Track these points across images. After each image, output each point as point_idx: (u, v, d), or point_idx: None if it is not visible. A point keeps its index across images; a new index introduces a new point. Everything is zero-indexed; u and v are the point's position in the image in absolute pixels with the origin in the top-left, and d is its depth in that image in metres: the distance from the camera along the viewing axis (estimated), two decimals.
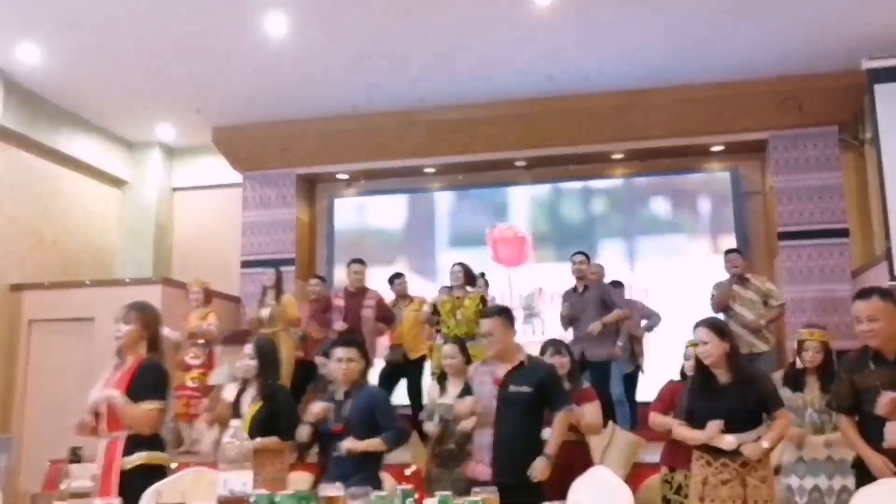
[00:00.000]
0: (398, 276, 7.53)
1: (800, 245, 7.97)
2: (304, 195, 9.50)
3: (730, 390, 3.67)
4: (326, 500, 2.50)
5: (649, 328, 7.32)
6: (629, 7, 6.57)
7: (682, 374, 4.67)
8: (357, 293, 7.12)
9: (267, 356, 4.46)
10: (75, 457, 3.12)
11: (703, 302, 6.96)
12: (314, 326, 7.30)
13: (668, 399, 4.47)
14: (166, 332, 6.91)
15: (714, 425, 3.57)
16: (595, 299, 6.74)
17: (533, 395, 3.75)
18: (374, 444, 4.00)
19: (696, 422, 3.71)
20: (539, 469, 3.63)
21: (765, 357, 6.49)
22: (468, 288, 6.77)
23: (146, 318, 3.58)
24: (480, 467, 3.79)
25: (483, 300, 6.68)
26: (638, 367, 7.14)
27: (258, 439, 4.08)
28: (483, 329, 3.89)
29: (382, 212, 9.47)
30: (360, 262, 7.26)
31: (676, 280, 8.10)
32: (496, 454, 3.75)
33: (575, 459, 4.14)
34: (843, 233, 7.94)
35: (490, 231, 9.01)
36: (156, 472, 3.32)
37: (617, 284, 7.29)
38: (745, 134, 8.31)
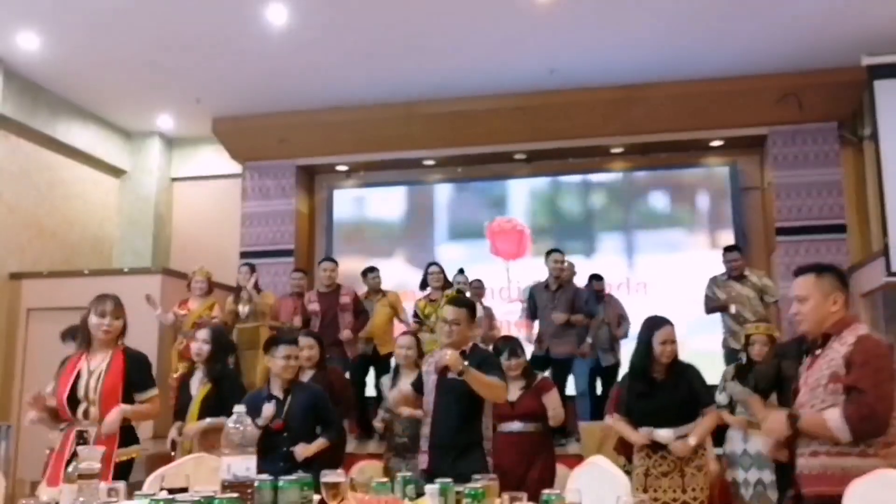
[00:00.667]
0: (372, 269, 7.52)
1: (797, 241, 8.00)
2: (303, 186, 9.51)
3: (665, 387, 3.92)
4: (328, 486, 2.52)
5: (624, 334, 7.18)
6: (630, 1, 6.57)
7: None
8: (330, 292, 7.12)
9: (220, 342, 4.64)
10: (82, 440, 3.16)
11: (700, 296, 7.01)
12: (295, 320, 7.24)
13: (617, 397, 4.57)
14: (158, 314, 7.00)
15: (644, 433, 3.91)
16: (566, 301, 6.84)
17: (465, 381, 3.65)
18: (320, 444, 4.05)
19: (635, 417, 3.99)
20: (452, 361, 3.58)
21: None
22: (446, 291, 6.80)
23: (123, 310, 3.78)
24: (421, 456, 3.84)
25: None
26: (618, 361, 7.10)
27: (208, 419, 4.33)
28: (450, 316, 3.80)
29: (381, 203, 9.48)
30: (332, 260, 7.35)
31: (674, 274, 8.13)
32: (431, 442, 3.77)
33: (537, 449, 4.41)
34: (841, 229, 7.97)
35: (489, 224, 9.03)
36: (131, 464, 3.66)
37: (597, 278, 7.31)
38: (744, 129, 8.34)
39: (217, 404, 4.37)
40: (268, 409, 4.02)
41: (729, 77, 7.89)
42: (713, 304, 6.90)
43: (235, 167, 9.45)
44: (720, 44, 7.29)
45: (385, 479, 2.80)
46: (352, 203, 9.57)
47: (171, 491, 2.53)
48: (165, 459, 4.87)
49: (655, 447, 3.91)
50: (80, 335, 3.78)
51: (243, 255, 9.10)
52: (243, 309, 7.19)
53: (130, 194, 9.76)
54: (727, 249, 7.05)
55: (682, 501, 3.82)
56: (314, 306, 7.07)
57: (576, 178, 9.08)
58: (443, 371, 3.76)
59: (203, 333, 4.60)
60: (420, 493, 2.74)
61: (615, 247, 8.67)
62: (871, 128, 7.43)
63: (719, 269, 7.04)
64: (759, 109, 8.02)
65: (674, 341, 3.95)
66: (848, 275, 7.65)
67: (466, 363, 3.59)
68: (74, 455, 3.46)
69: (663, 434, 3.86)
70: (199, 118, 8.99)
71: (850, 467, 2.58)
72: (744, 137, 8.46)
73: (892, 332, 7.25)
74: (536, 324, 7.07)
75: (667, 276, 8.18)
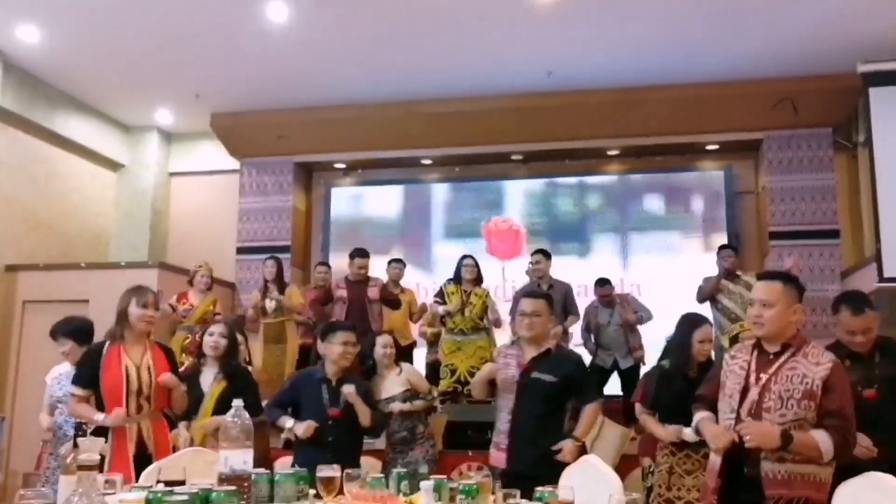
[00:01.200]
0: (398, 260, 7.52)
1: (790, 245, 8.05)
2: (301, 183, 9.54)
3: (697, 386, 3.74)
4: (323, 481, 2.55)
5: (637, 320, 7.18)
6: (629, 5, 6.62)
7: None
8: (358, 282, 7.10)
9: (235, 338, 4.60)
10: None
11: (693, 297, 7.07)
12: (317, 313, 7.30)
13: (644, 390, 4.61)
14: (163, 308, 7.01)
15: (673, 430, 3.82)
16: (559, 301, 6.82)
17: (558, 385, 3.66)
18: (367, 410, 4.15)
19: (663, 414, 3.94)
20: (568, 451, 3.57)
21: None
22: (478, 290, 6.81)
23: (158, 300, 3.87)
24: (495, 453, 3.75)
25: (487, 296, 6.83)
26: (638, 362, 7.08)
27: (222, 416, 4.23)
28: (529, 308, 3.73)
29: (379, 201, 9.50)
30: (365, 254, 7.08)
31: (668, 276, 8.18)
32: (511, 441, 3.68)
33: None
34: (834, 234, 8.03)
35: (485, 223, 9.07)
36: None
37: (601, 283, 7.33)
38: (739, 133, 8.40)
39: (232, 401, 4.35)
40: (308, 429, 4.01)
41: (725, 81, 7.94)
42: (705, 291, 6.97)
43: (233, 163, 9.47)
44: (717, 48, 7.34)
45: (380, 475, 2.83)
46: (349, 201, 9.60)
47: (167, 484, 2.56)
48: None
49: (680, 445, 3.84)
50: (116, 327, 3.76)
51: (240, 250, 9.14)
52: (269, 304, 7.21)
53: (128, 188, 9.77)
54: (722, 248, 7.16)
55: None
56: (342, 293, 7.01)
57: (572, 180, 9.12)
58: (525, 368, 3.70)
59: (220, 328, 4.51)
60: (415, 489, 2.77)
61: (610, 248, 8.72)
62: (866, 134, 7.49)
63: (713, 271, 7.10)
64: (754, 114, 8.08)
65: (711, 340, 3.95)
66: (840, 280, 7.78)
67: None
68: (140, 448, 3.61)
69: (690, 433, 3.65)
70: (197, 113, 9.01)
71: (811, 473, 2.71)
72: (739, 141, 8.52)
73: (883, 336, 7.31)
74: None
75: (661, 279, 8.23)
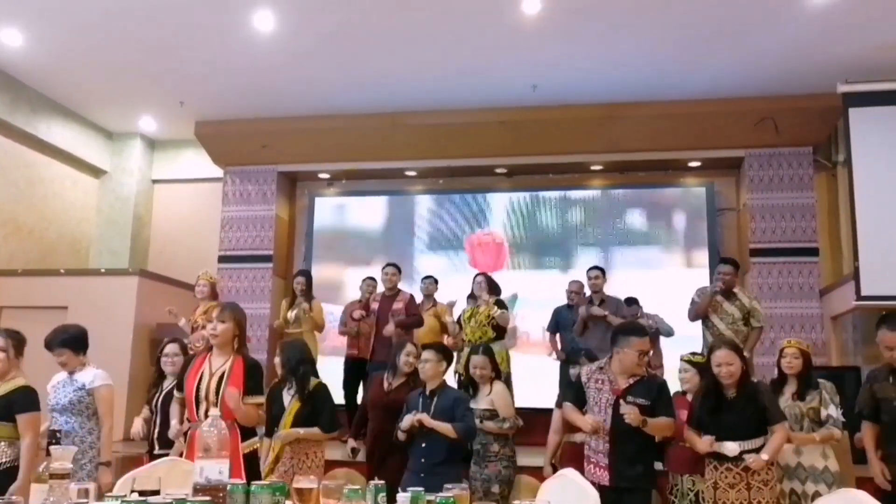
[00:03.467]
0: (428, 277, 7.58)
1: (770, 262, 8.12)
2: (284, 193, 9.51)
3: (736, 404, 4.13)
4: (299, 492, 2.53)
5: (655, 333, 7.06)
6: (614, 21, 6.68)
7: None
8: (390, 296, 7.20)
9: (299, 354, 4.85)
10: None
11: (676, 313, 7.06)
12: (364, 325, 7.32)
13: (690, 411, 4.69)
14: (182, 323, 7.02)
15: (707, 440, 4.11)
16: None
17: (649, 407, 4.08)
18: (445, 427, 4.40)
19: (705, 431, 4.18)
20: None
21: None
22: (485, 296, 6.84)
23: (238, 316, 3.92)
24: (596, 470, 4.12)
25: (500, 303, 6.84)
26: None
27: (302, 429, 4.60)
28: (638, 346, 4.14)
29: (362, 212, 9.50)
30: (394, 265, 7.37)
31: (649, 291, 8.20)
32: (612, 460, 4.07)
33: None
34: (813, 252, 8.11)
35: (468, 236, 9.09)
36: (255, 456, 3.90)
37: (629, 302, 7.27)
38: (721, 151, 8.47)
39: (309, 419, 4.65)
40: (408, 418, 4.47)
41: (708, 99, 8.03)
42: (699, 309, 6.59)
43: (217, 171, 9.44)
44: (700, 66, 7.41)
45: (356, 486, 2.82)
46: (332, 211, 9.58)
47: (142, 493, 2.53)
48: (137, 462, 4.86)
49: (721, 460, 4.10)
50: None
51: (221, 259, 9.09)
52: (291, 315, 7.40)
53: (110, 194, 9.71)
54: (723, 261, 6.80)
55: None
56: (375, 305, 7.22)
57: (555, 194, 9.15)
58: (621, 393, 4.11)
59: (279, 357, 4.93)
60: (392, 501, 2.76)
61: (592, 262, 8.66)
62: (845, 154, 7.58)
63: (694, 287, 7.05)
64: (737, 132, 8.16)
65: (730, 363, 4.14)
66: (819, 297, 7.85)
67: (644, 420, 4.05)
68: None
69: (729, 446, 4.06)
70: (181, 121, 8.98)
71: None
72: (721, 159, 8.60)
73: (860, 354, 7.38)
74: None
75: (642, 293, 8.24)
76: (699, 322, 6.65)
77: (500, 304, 6.84)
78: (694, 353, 5.07)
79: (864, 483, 4.35)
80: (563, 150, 8.60)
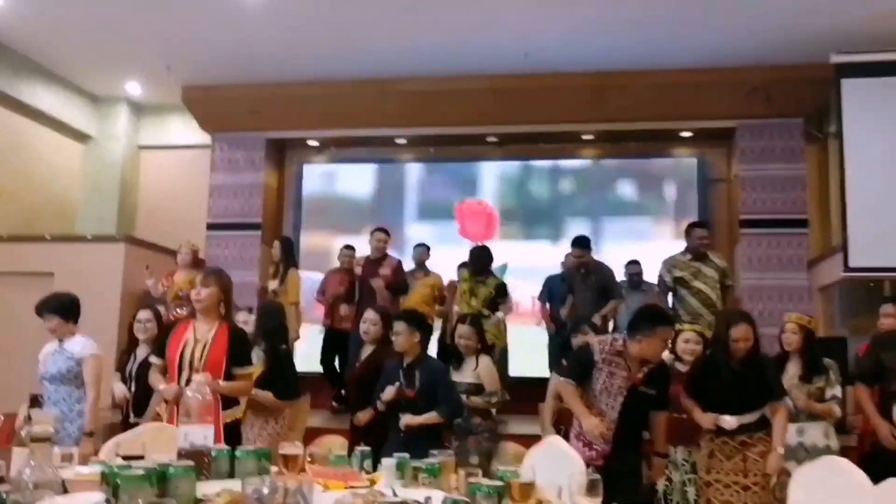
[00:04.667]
0: (420, 245, 7.50)
1: (760, 234, 8.13)
2: (273, 160, 9.42)
3: (740, 377, 4.00)
4: (284, 458, 2.53)
5: None
6: None
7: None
8: (375, 260, 7.08)
9: (273, 320, 4.73)
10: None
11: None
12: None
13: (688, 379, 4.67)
14: (149, 283, 7.02)
15: (711, 418, 4.02)
16: (596, 284, 6.81)
17: (656, 397, 4.01)
18: (430, 417, 4.29)
19: (704, 402, 4.10)
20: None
21: None
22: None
23: (223, 281, 3.85)
24: (592, 452, 3.92)
25: (501, 289, 6.84)
26: None
27: (256, 390, 4.34)
28: (663, 336, 3.96)
29: (352, 180, 9.44)
30: (383, 230, 7.22)
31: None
32: (615, 442, 3.94)
33: None
34: (803, 223, 8.12)
35: (458, 205, 9.05)
36: (236, 425, 3.85)
37: (633, 263, 7.33)
38: (713, 121, 8.43)
39: (268, 383, 4.50)
40: (389, 390, 4.33)
41: (700, 68, 7.94)
42: (665, 285, 6.69)
43: (205, 137, 9.32)
44: (693, 35, 7.34)
45: (342, 453, 2.82)
46: (322, 178, 9.52)
47: (126, 458, 2.52)
48: (121, 428, 4.85)
49: (719, 432, 4.04)
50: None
51: (210, 226, 9.03)
52: (271, 286, 7.29)
53: (96, 160, 9.60)
54: (696, 225, 6.79)
55: (742, 485, 3.93)
56: (359, 270, 7.06)
57: (546, 164, 9.13)
58: (638, 382, 3.95)
59: (245, 314, 4.67)
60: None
61: (581, 232, 8.70)
62: (837, 125, 7.55)
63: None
64: (728, 102, 8.11)
65: (748, 339, 4.01)
66: (807, 269, 7.88)
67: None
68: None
69: (728, 420, 3.98)
70: (168, 86, 8.84)
71: None
72: (713, 130, 8.56)
73: (846, 325, 7.43)
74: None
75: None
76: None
77: (501, 291, 6.79)
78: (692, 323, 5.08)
79: (847, 453, 4.39)
80: (554, 119, 8.53)
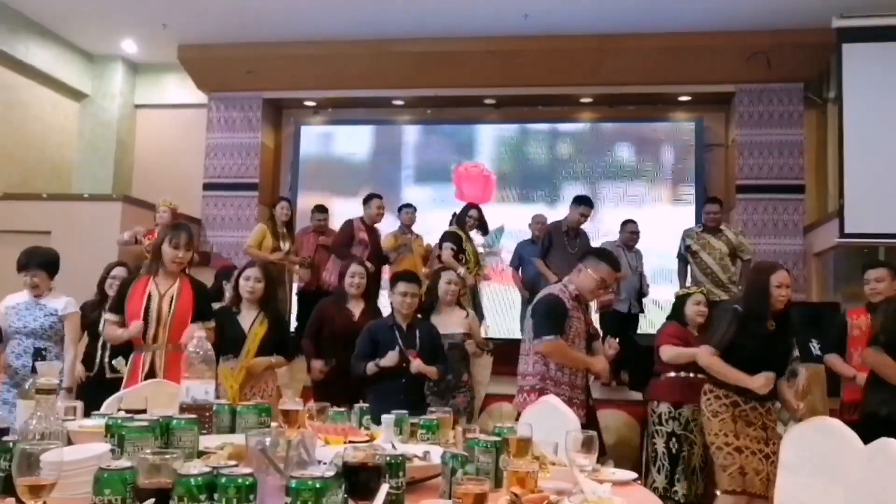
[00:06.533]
0: (408, 206, 7.40)
1: (756, 199, 8.15)
2: (269, 120, 9.38)
3: (774, 337, 3.85)
4: (285, 413, 2.56)
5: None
6: None
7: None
8: (375, 226, 7.06)
9: (274, 281, 4.64)
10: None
11: (662, 247, 7.12)
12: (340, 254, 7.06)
13: (681, 335, 4.72)
14: (125, 237, 6.99)
15: (764, 378, 3.75)
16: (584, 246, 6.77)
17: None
18: (434, 370, 4.39)
19: (735, 358, 3.84)
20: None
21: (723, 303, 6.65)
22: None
23: (193, 242, 3.91)
24: (577, 410, 3.75)
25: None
26: (639, 311, 7.04)
27: (273, 358, 4.26)
28: (603, 274, 3.94)
29: (349, 141, 9.40)
30: (380, 196, 7.14)
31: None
32: (587, 397, 4.09)
33: None
34: (800, 189, 8.14)
35: (455, 167, 9.03)
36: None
37: (630, 222, 7.24)
38: (712, 86, 8.39)
39: (275, 344, 4.31)
40: (392, 356, 4.26)
41: (700, 32, 7.90)
42: (679, 256, 6.94)
43: (201, 97, 9.27)
44: None
45: (342, 409, 2.86)
46: (318, 139, 9.48)
47: (129, 412, 2.55)
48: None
49: (748, 397, 3.85)
50: (151, 261, 3.92)
51: (206, 186, 9.01)
52: (284, 245, 7.10)
53: (92, 119, 9.53)
54: (709, 201, 7.10)
55: (764, 454, 3.81)
56: (363, 235, 6.95)
57: (543, 127, 9.10)
58: (591, 324, 4.08)
59: (255, 272, 4.34)
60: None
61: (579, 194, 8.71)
62: (836, 91, 7.52)
63: (680, 222, 7.14)
64: (728, 66, 8.07)
65: (789, 286, 3.86)
66: (803, 234, 7.91)
67: None
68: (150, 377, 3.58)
69: (761, 383, 3.78)
70: (164, 44, 8.75)
71: None
72: (712, 94, 8.52)
73: (841, 291, 7.49)
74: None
75: None
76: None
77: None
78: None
79: (837, 414, 4.46)
80: (552, 82, 8.48)
